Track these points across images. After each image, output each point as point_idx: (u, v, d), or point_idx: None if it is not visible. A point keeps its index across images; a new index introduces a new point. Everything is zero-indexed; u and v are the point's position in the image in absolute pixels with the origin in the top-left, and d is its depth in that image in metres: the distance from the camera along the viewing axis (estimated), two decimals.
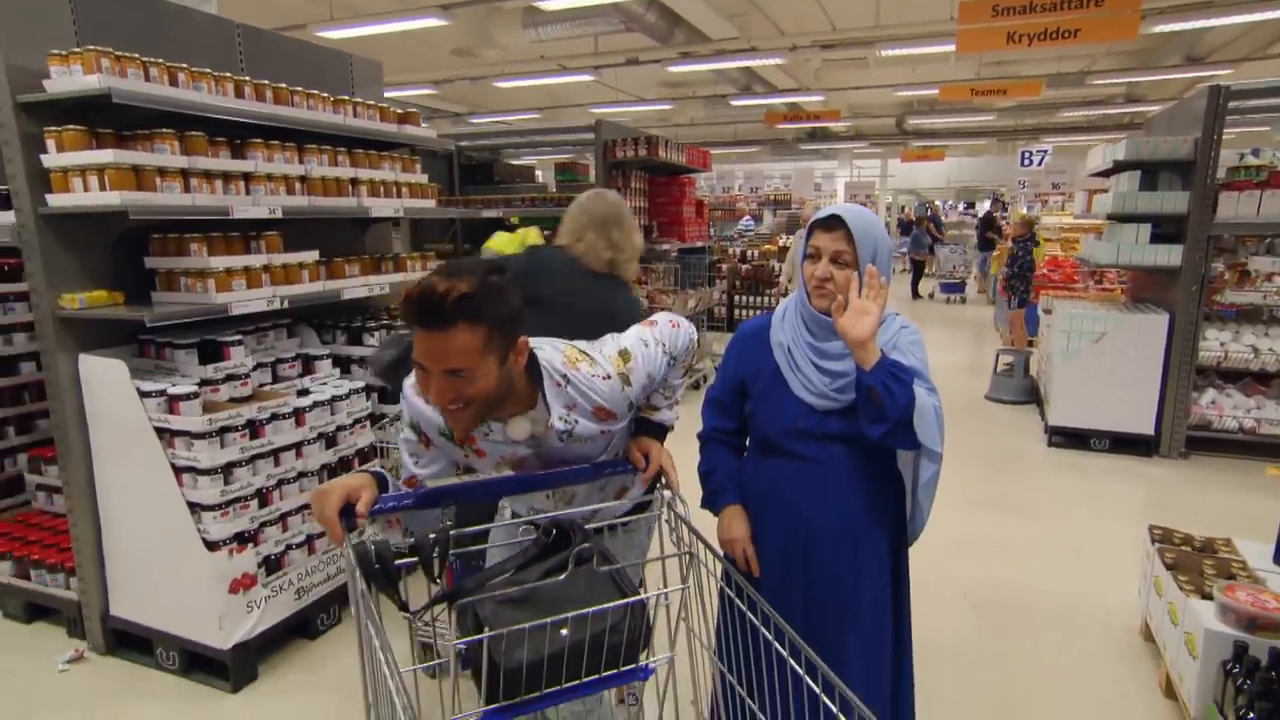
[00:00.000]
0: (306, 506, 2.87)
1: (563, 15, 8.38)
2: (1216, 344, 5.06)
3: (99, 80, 2.34)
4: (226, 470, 2.55)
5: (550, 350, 1.41)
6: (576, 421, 1.42)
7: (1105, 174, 5.74)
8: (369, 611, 1.15)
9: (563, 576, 1.22)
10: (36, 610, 3.04)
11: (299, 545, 2.84)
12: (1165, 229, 5.01)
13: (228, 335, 2.76)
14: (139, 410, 2.51)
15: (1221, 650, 2.22)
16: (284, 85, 2.96)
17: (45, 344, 2.60)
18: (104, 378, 2.56)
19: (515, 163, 9.32)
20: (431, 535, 1.24)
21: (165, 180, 2.53)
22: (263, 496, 2.69)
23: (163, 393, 2.51)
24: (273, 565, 2.74)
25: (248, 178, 2.78)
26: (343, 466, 3.02)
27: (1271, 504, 3.04)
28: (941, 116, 15.60)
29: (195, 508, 2.54)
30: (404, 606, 1.20)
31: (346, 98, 3.26)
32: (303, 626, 2.89)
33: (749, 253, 10.89)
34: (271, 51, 3.27)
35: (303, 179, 2.99)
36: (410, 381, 1.42)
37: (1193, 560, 2.68)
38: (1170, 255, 4.92)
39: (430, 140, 3.72)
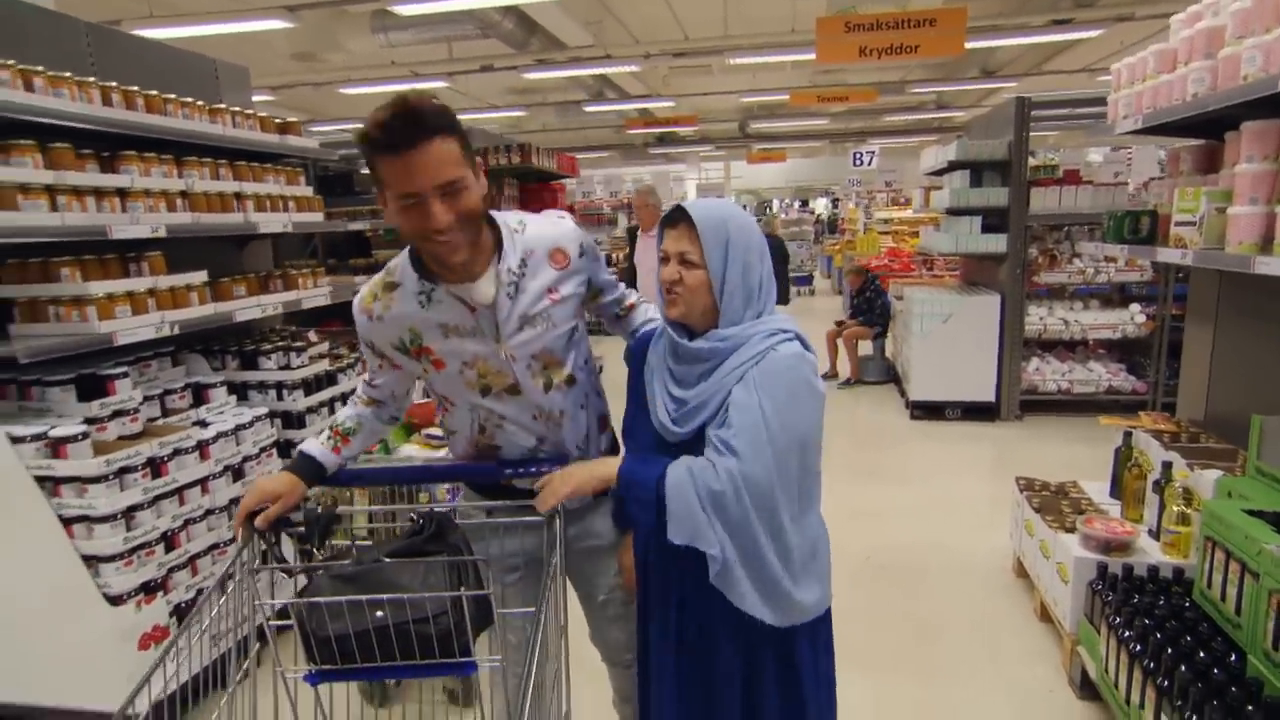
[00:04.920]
0: (215, 546, 2.66)
1: (415, 21, 8.11)
2: (1037, 319, 5.85)
3: None
4: (128, 515, 2.32)
5: (505, 213, 1.48)
6: (531, 275, 1.42)
7: (939, 173, 6.46)
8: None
9: (387, 560, 1.31)
10: None
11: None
12: (991, 220, 5.72)
13: (109, 368, 2.50)
14: (10, 458, 2.21)
15: (1088, 573, 2.63)
16: (155, 93, 2.72)
17: None
18: None
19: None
20: (319, 511, 1.38)
21: (28, 198, 2.26)
22: (169, 540, 2.47)
23: (42, 436, 2.24)
24: (184, 613, 2.52)
25: (123, 194, 2.53)
26: None
27: (1094, 450, 3.63)
28: (781, 120, 16.64)
29: (92, 560, 2.28)
30: (280, 559, 1.40)
31: (222, 106, 3.04)
32: (219, 677, 2.67)
33: (613, 255, 11.10)
34: (126, 54, 2.98)
35: (184, 194, 2.76)
36: (358, 300, 1.45)
37: (1053, 502, 3.13)
38: (998, 243, 5.64)
39: (313, 151, 3.53)
